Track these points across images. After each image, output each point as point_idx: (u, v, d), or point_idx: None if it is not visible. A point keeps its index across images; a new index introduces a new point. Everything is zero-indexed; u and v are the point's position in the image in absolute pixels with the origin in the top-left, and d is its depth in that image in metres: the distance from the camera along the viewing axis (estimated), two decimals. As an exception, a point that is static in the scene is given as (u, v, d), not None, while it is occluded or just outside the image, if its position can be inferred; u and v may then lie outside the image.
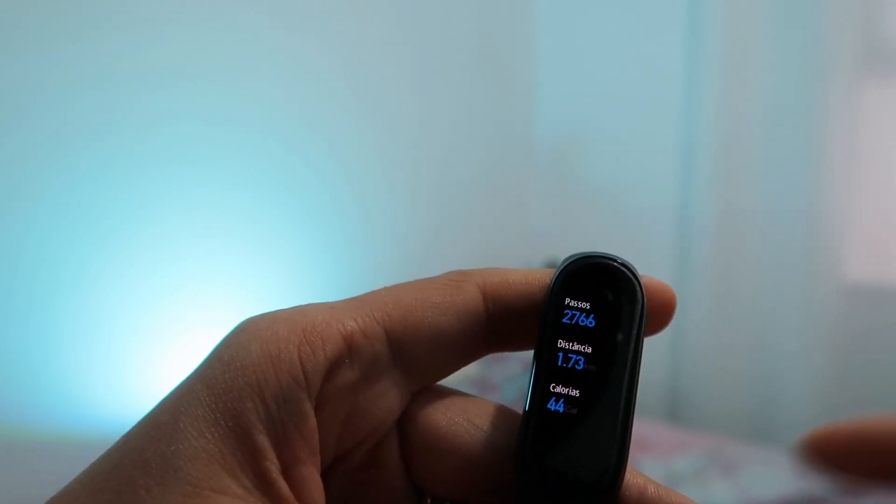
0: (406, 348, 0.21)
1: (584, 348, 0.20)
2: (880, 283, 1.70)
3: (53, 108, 1.36)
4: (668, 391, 1.93)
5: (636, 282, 0.21)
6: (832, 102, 1.63)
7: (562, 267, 0.21)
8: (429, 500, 0.23)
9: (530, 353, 0.21)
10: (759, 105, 1.74)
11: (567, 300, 0.21)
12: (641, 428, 1.67)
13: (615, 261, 0.21)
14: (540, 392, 0.20)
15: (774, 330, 1.75)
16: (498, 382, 1.57)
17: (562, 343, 0.20)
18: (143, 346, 1.42)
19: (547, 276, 0.22)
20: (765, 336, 1.77)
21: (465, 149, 1.87)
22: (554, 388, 0.20)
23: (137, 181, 1.44)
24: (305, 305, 0.21)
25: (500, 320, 0.22)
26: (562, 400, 0.20)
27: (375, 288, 0.22)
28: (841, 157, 1.65)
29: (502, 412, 0.22)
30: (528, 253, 1.89)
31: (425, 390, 0.22)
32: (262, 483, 0.19)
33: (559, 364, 0.20)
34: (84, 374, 1.38)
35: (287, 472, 0.19)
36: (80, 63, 1.38)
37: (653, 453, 1.47)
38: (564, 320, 0.20)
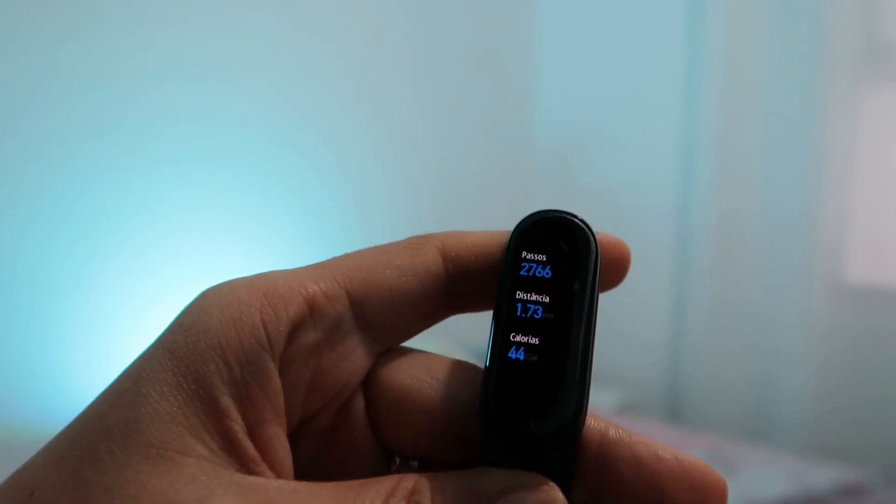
0: (368, 310, 0.21)
1: (541, 298, 0.21)
2: (879, 283, 1.70)
3: (52, 108, 1.36)
4: (668, 391, 1.93)
5: (589, 233, 0.21)
6: (832, 103, 1.63)
7: (521, 221, 0.22)
8: (397, 461, 0.22)
9: None
10: (758, 106, 1.74)
11: (524, 253, 0.21)
12: (641, 428, 1.67)
13: (569, 215, 0.22)
14: (500, 342, 0.20)
15: (774, 330, 1.75)
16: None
17: (520, 294, 0.21)
18: (143, 346, 1.42)
19: (505, 236, 0.22)
20: (764, 336, 1.77)
21: (465, 149, 1.87)
22: (514, 337, 0.20)
23: (137, 182, 1.44)
24: (266, 272, 0.21)
25: (461, 280, 0.22)
26: (522, 348, 0.20)
27: None
28: (840, 158, 1.65)
29: (465, 367, 0.22)
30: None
31: (389, 351, 0.22)
32: (228, 444, 0.19)
33: (518, 314, 0.20)
34: (84, 375, 1.38)
35: (252, 433, 0.19)
36: (79, 64, 1.38)
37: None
38: (522, 273, 0.21)
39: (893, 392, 1.63)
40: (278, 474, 0.20)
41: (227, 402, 0.19)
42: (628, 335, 1.73)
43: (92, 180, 1.40)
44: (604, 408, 1.83)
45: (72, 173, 1.38)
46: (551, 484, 0.19)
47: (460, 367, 0.22)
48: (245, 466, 0.19)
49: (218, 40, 1.51)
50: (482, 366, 0.21)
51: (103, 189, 1.41)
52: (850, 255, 1.70)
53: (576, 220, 0.22)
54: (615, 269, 0.23)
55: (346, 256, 0.22)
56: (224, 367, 0.19)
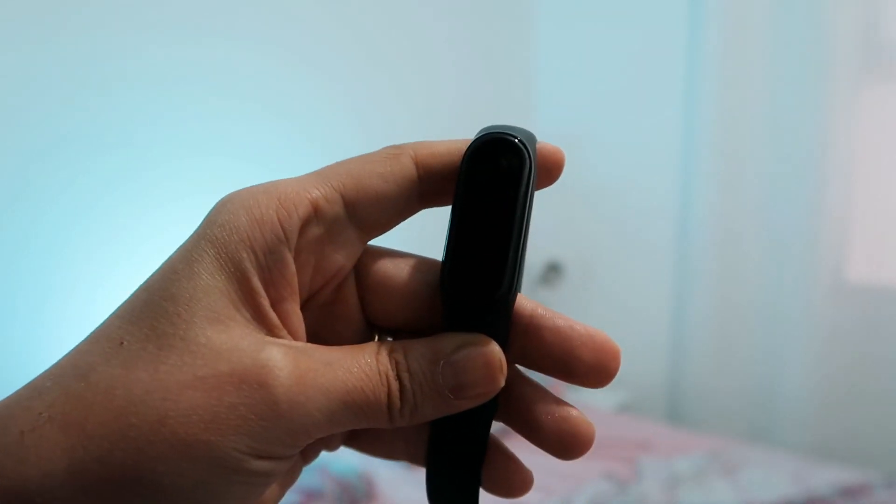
0: (359, 209, 0.27)
1: (487, 203, 0.27)
2: (880, 283, 1.70)
3: (52, 107, 1.36)
4: (668, 392, 1.93)
5: (525, 152, 0.27)
6: (832, 103, 1.63)
7: (473, 140, 0.27)
8: (376, 337, 0.29)
9: None
10: (758, 105, 1.74)
11: (475, 166, 0.27)
12: (642, 429, 1.67)
13: (510, 136, 0.27)
14: (455, 237, 0.26)
15: (774, 330, 1.75)
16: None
17: (471, 200, 0.27)
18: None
19: (464, 145, 0.27)
20: (765, 337, 1.77)
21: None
22: (465, 233, 0.27)
23: (136, 182, 1.44)
24: (276, 180, 0.27)
25: (429, 183, 0.28)
26: (471, 242, 0.26)
27: None
28: (841, 157, 1.65)
29: (432, 262, 0.29)
30: (528, 253, 1.89)
31: (376, 249, 0.29)
32: (259, 315, 0.25)
33: (469, 216, 0.27)
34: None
35: (275, 307, 0.25)
36: (76, 64, 1.37)
37: (654, 454, 1.47)
38: (473, 183, 0.27)
39: (894, 392, 1.63)
40: (295, 339, 0.26)
41: (257, 283, 0.25)
42: (628, 335, 1.72)
43: (91, 183, 1.40)
44: (604, 408, 1.82)
45: (70, 174, 1.38)
46: (493, 342, 0.26)
47: (428, 261, 0.29)
48: (271, 332, 0.25)
49: (213, 41, 1.51)
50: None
51: (103, 191, 1.41)
52: (851, 254, 1.70)
53: (515, 140, 0.27)
54: (552, 171, 0.29)
55: (338, 165, 0.27)
56: (253, 257, 0.25)
